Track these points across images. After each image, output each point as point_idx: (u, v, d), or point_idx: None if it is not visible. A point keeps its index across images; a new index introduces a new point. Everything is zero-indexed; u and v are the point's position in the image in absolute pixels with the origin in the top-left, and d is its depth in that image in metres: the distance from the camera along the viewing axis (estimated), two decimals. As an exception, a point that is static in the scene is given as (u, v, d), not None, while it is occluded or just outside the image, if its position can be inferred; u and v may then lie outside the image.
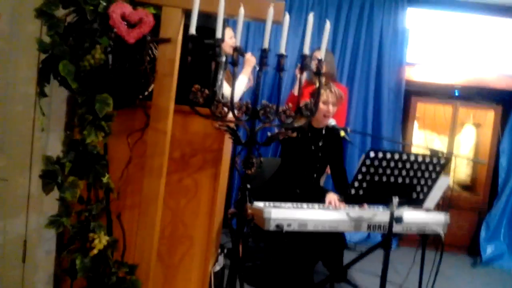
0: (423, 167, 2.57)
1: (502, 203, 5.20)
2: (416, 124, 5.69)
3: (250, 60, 3.91)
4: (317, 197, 3.28)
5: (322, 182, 3.77)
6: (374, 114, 5.50)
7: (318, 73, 2.19)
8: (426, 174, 2.61)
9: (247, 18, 2.15)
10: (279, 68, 2.10)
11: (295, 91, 4.41)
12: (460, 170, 5.75)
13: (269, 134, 2.10)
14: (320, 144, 3.37)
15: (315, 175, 3.39)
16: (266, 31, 2.01)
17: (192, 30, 1.94)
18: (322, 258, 3.25)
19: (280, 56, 2.10)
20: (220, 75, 2.54)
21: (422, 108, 5.67)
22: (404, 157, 2.51)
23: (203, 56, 2.33)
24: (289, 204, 2.84)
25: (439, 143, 5.70)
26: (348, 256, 3.39)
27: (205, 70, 2.49)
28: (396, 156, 2.50)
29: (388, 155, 2.48)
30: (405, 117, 5.52)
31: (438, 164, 2.59)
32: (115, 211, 2.27)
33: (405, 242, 5.29)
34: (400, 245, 5.34)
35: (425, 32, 5.48)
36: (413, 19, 5.44)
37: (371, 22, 5.46)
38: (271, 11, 1.99)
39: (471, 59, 5.46)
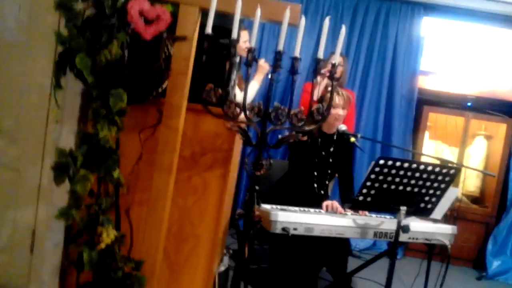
0: (432, 177, 2.56)
1: (510, 217, 5.16)
2: (427, 133, 5.67)
3: (263, 66, 3.89)
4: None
5: (330, 188, 3.76)
6: (385, 121, 5.49)
7: (331, 78, 2.19)
8: (435, 184, 2.60)
9: (263, 20, 2.15)
10: (293, 71, 2.11)
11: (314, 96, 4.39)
12: (470, 182, 5.71)
13: (280, 136, 2.10)
14: (331, 150, 3.37)
15: (325, 181, 3.38)
16: (282, 33, 2.02)
17: (209, 29, 1.95)
18: (326, 264, 3.24)
19: (295, 59, 2.10)
20: (234, 76, 2.54)
21: (433, 117, 5.64)
22: (414, 166, 2.50)
23: (218, 55, 2.34)
24: (296, 208, 2.84)
25: (450, 154, 5.66)
26: (353, 263, 3.39)
27: (220, 69, 2.50)
28: (406, 165, 2.49)
29: (398, 163, 2.48)
30: (416, 126, 5.49)
31: (448, 174, 2.58)
32: (124, 206, 2.28)
33: (411, 252, 5.27)
34: (406, 255, 5.31)
35: (440, 41, 5.46)
36: (428, 27, 5.42)
37: (386, 29, 5.45)
38: (287, 14, 2.00)
39: (484, 70, 5.44)
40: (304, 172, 3.32)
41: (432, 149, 5.73)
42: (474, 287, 4.66)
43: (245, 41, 4.05)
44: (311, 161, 3.31)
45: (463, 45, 5.42)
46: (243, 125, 2.14)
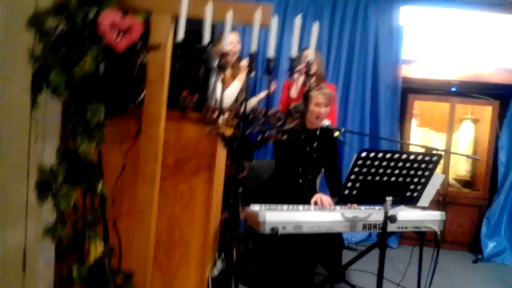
0: (415, 165, 2.58)
1: (502, 198, 5.21)
2: (415, 121, 5.69)
3: (245, 67, 3.91)
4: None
5: (318, 182, 3.77)
6: (371, 113, 5.50)
7: (307, 75, 2.20)
8: (419, 172, 2.61)
9: (236, 23, 2.17)
10: (268, 71, 2.12)
11: (292, 93, 4.41)
12: (460, 166, 5.75)
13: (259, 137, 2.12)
14: (315, 145, 3.38)
15: (310, 176, 3.39)
16: (254, 35, 2.03)
17: (180, 36, 1.96)
18: (320, 259, 3.26)
19: (269, 60, 2.12)
20: (213, 80, 2.55)
21: (420, 105, 5.67)
22: (396, 156, 2.52)
23: (198, 61, 2.35)
24: (284, 207, 2.86)
25: (438, 141, 5.70)
26: (349, 256, 3.40)
27: (199, 75, 2.51)
28: (388, 155, 2.51)
29: (380, 155, 2.49)
30: (402, 115, 5.52)
31: (430, 161, 2.60)
32: (112, 218, 2.28)
33: (406, 240, 5.29)
34: (402, 243, 5.34)
35: (420, 29, 5.49)
36: (407, 16, 5.45)
37: (366, 21, 5.46)
38: (258, 15, 2.01)
39: (467, 55, 5.46)
40: (289, 169, 3.33)
41: (421, 137, 5.77)
42: (470, 270, 4.69)
43: (229, 42, 4.05)
44: (296, 157, 3.33)
45: (443, 31, 5.44)
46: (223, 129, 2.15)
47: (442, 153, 2.73)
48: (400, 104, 5.50)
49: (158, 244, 2.42)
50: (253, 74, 2.22)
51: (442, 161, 5.42)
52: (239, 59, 3.94)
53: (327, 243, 3.11)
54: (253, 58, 2.07)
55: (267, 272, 3.30)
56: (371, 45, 5.46)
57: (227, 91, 3.82)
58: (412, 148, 5.16)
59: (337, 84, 5.37)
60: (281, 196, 3.21)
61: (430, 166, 2.63)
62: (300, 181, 3.36)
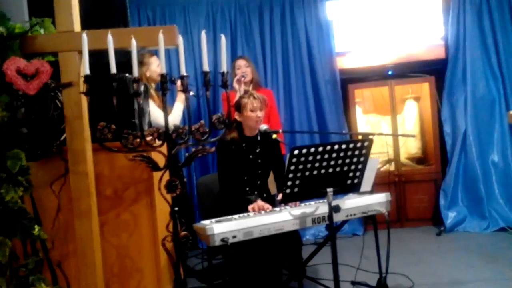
0: (349, 153, 2.65)
1: (453, 168, 5.34)
2: (359, 110, 5.81)
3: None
4: (268, 202, 3.33)
5: (271, 186, 3.81)
6: (316, 109, 5.59)
7: (224, 86, 2.25)
8: (354, 159, 2.69)
9: (143, 48, 2.21)
10: (184, 89, 2.16)
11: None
12: (410, 145, 5.88)
13: (186, 154, 2.15)
14: (258, 151, 3.43)
15: (258, 182, 3.44)
16: (161, 56, 2.07)
17: (87, 70, 1.98)
18: (281, 261, 3.29)
19: (182, 77, 2.16)
20: (140, 105, 2.56)
21: (360, 93, 5.79)
22: (328, 147, 2.58)
23: (121, 91, 2.36)
24: (234, 216, 2.89)
25: (385, 124, 5.82)
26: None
27: (126, 104, 2.52)
28: (320, 149, 2.57)
29: (312, 149, 2.55)
30: (346, 106, 5.64)
31: (362, 147, 2.68)
32: (59, 259, 2.29)
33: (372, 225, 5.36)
34: (368, 229, 5.40)
35: (349, 21, 5.61)
36: (334, 10, 5.57)
37: (294, 21, 5.57)
38: (161, 37, 2.05)
39: (397, 37, 5.60)
40: (234, 179, 3.35)
41: (368, 124, 5.88)
42: (435, 244, 4.78)
43: (157, 65, 4.10)
44: (240, 166, 3.36)
45: (370, 18, 5.58)
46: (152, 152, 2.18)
47: (371, 137, 2.79)
48: (342, 95, 5.60)
49: (111, 275, 2.43)
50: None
51: (391, 144, 5.58)
52: (172, 81, 3.96)
53: (285, 243, 3.14)
54: (165, 79, 2.11)
55: (236, 283, 3.31)
56: (303, 44, 5.56)
57: (172, 115, 3.85)
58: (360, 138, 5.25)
59: (278, 86, 5.48)
60: (233, 207, 3.23)
61: (364, 151, 2.70)
62: (247, 189, 3.39)
